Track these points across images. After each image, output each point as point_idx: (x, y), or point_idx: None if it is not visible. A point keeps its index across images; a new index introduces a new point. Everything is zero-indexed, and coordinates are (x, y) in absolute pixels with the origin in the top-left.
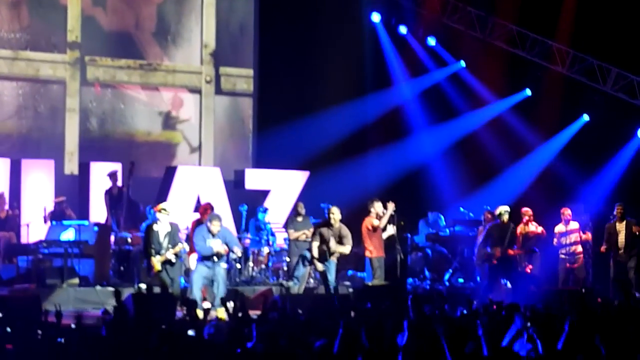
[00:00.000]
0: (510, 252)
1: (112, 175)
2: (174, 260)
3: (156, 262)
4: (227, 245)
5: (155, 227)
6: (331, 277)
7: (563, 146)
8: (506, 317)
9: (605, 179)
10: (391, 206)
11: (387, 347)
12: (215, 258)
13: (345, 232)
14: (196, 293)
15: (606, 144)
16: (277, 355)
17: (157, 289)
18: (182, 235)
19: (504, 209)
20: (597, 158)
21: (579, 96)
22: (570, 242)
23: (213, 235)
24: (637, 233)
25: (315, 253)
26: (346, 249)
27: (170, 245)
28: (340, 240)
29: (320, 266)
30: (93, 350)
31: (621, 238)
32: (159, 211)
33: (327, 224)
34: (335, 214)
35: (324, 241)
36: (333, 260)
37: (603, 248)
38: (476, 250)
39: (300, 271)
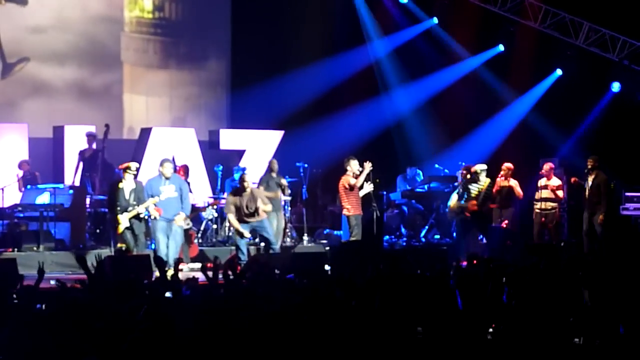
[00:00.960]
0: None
1: (90, 136)
2: (143, 214)
3: (123, 219)
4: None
5: (120, 185)
6: (269, 234)
7: (537, 101)
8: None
9: (579, 132)
10: (368, 165)
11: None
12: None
13: (260, 194)
14: (163, 250)
15: (579, 97)
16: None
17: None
18: None
19: (480, 168)
20: (571, 112)
21: (552, 51)
22: (547, 197)
23: (167, 179)
24: (598, 184)
25: (235, 224)
26: (268, 207)
27: (135, 203)
28: (256, 203)
29: (246, 233)
30: (72, 314)
31: (588, 191)
32: (126, 170)
33: (239, 191)
34: (248, 180)
35: (239, 209)
36: (263, 217)
37: (573, 179)
38: (449, 204)
39: (241, 244)
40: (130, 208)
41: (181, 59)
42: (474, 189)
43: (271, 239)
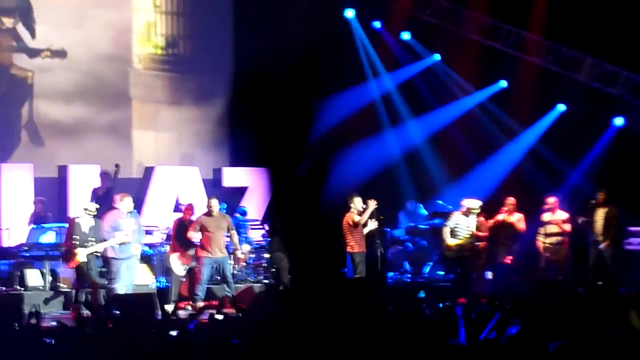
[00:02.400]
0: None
1: (104, 175)
2: (100, 253)
3: (80, 252)
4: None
5: (78, 220)
6: (227, 274)
7: (540, 136)
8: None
9: (582, 168)
10: (372, 203)
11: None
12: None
13: (228, 220)
14: (120, 289)
15: (582, 133)
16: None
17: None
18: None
19: (477, 204)
20: (574, 147)
21: (555, 86)
22: (554, 232)
23: (129, 212)
24: (610, 217)
25: (196, 239)
26: (234, 238)
27: (93, 240)
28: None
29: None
30: (76, 352)
31: (599, 226)
32: (84, 210)
33: (207, 213)
34: (214, 206)
35: (205, 231)
36: (224, 254)
37: (581, 220)
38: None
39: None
40: (87, 244)
41: (189, 94)
42: (463, 227)
43: (228, 279)
